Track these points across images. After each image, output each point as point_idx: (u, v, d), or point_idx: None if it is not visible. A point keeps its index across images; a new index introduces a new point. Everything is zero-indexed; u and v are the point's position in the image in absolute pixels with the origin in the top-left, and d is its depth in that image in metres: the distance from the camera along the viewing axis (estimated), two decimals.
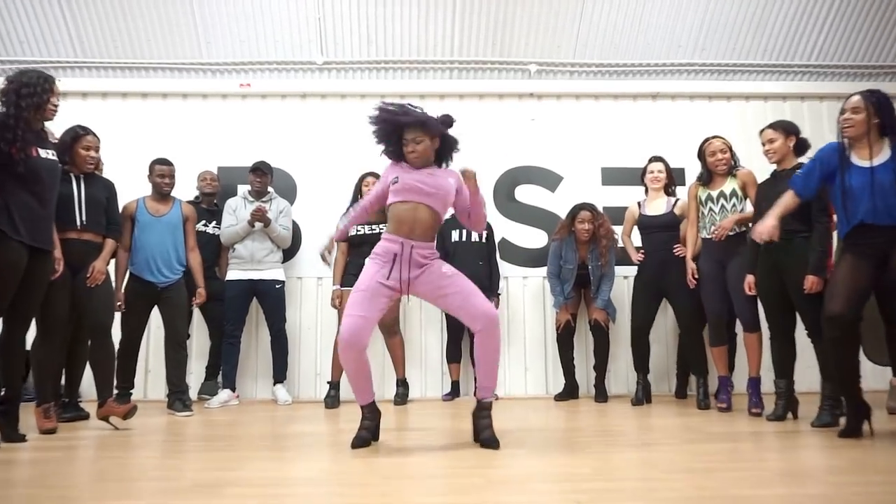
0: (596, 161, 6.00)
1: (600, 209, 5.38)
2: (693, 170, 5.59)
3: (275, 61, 6.02)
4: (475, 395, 3.29)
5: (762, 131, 4.17)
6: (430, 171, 3.23)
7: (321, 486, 2.44)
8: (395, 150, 3.26)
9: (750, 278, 4.13)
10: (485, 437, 3.09)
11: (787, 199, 3.50)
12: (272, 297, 5.29)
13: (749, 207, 4.42)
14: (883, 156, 3.22)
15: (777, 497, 2.13)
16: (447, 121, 3.25)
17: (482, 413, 3.15)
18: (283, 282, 5.35)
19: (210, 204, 5.52)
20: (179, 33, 5.88)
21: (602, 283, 5.23)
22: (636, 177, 5.38)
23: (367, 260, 3.20)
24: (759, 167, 4.42)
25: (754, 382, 4.30)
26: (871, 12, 6.00)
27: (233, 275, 5.24)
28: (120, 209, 4.68)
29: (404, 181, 3.16)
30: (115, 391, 4.61)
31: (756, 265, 4.09)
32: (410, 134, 3.16)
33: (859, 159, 3.28)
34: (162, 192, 4.79)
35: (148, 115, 5.94)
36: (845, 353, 3.26)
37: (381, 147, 3.30)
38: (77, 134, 4.05)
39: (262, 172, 5.38)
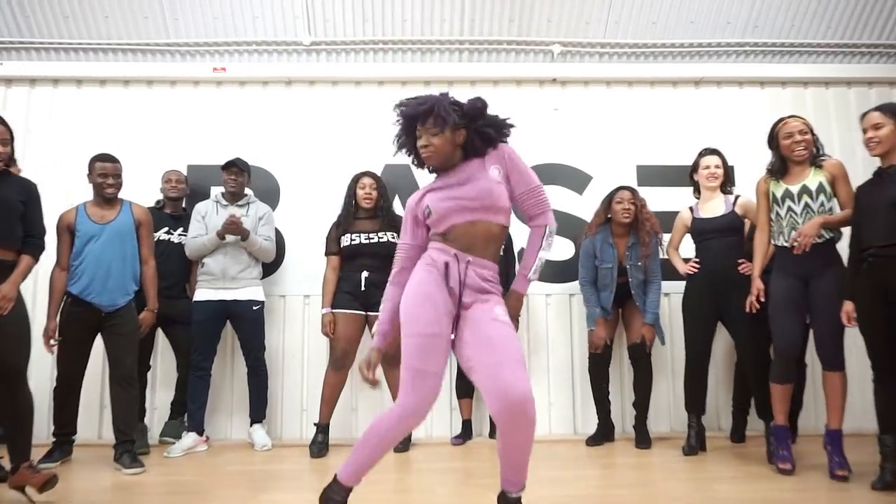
0: (630, 158, 5.13)
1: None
2: (745, 168, 4.75)
3: (255, 41, 5.14)
4: (501, 484, 2.42)
5: (864, 115, 3.29)
6: (461, 171, 2.39)
7: None
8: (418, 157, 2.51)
9: (848, 306, 3.24)
10: None
11: None
12: (249, 321, 4.43)
13: (838, 208, 3.54)
14: None
15: None
16: (476, 106, 2.40)
17: None
18: (261, 302, 4.48)
19: (176, 208, 4.66)
20: (142, 8, 5.01)
21: (649, 289, 4.34)
22: (678, 176, 4.60)
23: (415, 276, 2.38)
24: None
25: (835, 436, 3.41)
26: None
27: (201, 294, 4.38)
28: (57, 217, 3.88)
29: (438, 207, 2.34)
30: (53, 438, 3.83)
31: (855, 288, 3.20)
32: (422, 127, 2.37)
33: None
34: (104, 194, 3.91)
35: (107, 105, 5.08)
36: None
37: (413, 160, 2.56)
38: None
39: (237, 170, 4.54)
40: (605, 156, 5.12)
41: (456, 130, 2.36)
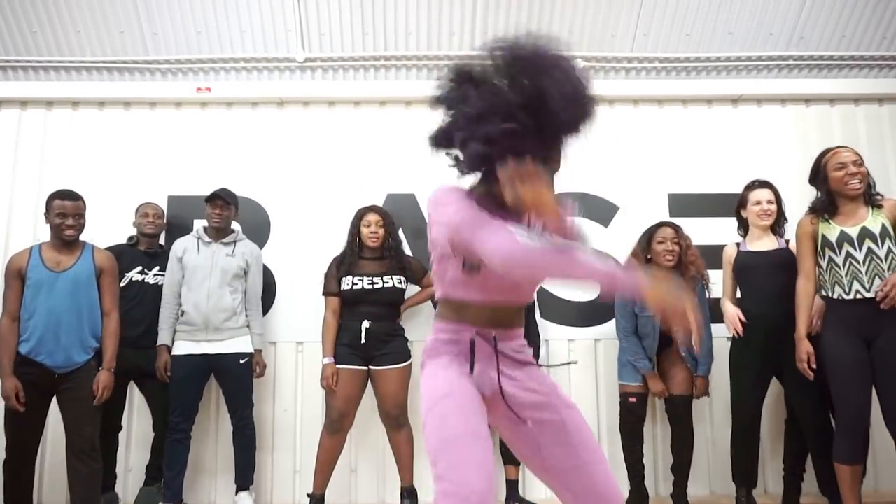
0: (661, 186, 4.60)
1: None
2: (791, 198, 4.14)
3: (243, 58, 4.65)
4: None
5: None
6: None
7: None
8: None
9: None
10: None
11: None
12: (235, 377, 3.92)
13: None
14: None
15: None
16: None
17: None
18: (250, 354, 3.96)
19: (152, 245, 4.16)
20: (118, 22, 4.52)
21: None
22: (715, 205, 4.22)
23: (428, 367, 1.87)
24: None
25: None
26: None
27: (181, 348, 3.87)
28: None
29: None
30: None
31: None
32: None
33: None
34: (62, 236, 3.40)
35: (80, 129, 4.60)
36: None
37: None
38: None
39: (222, 203, 4.04)
40: (633, 183, 4.60)
41: None
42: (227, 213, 4.07)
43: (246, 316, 3.98)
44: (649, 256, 3.86)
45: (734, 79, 4.78)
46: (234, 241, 4.08)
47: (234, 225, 4.19)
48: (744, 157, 4.54)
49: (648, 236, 3.92)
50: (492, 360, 1.83)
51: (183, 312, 3.90)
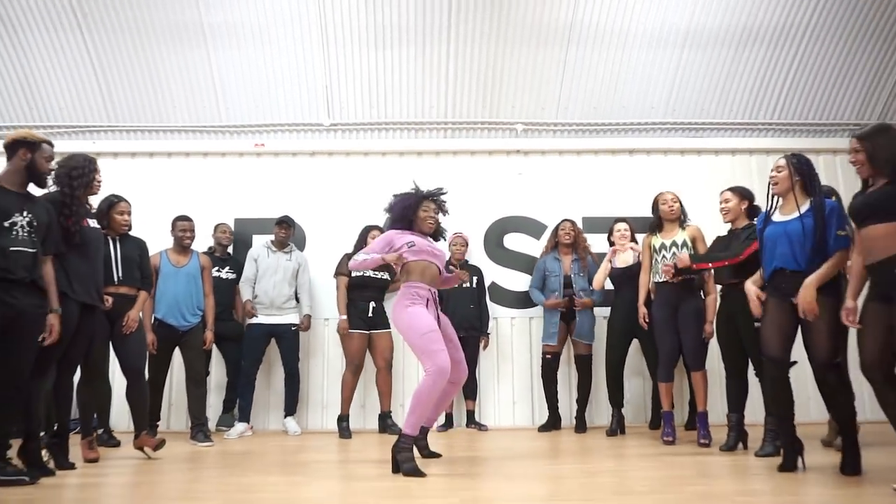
0: (578, 210, 6.53)
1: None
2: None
3: (286, 123, 6.67)
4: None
5: (722, 193, 4.74)
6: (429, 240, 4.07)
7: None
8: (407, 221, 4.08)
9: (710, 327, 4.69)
10: (424, 453, 4.05)
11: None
12: (288, 339, 5.84)
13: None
14: (803, 209, 3.68)
15: None
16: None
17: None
18: (298, 325, 5.89)
19: (223, 253, 6.08)
20: (201, 99, 6.55)
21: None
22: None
23: (413, 307, 3.83)
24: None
25: (702, 417, 4.81)
26: (825, 76, 6.63)
27: (254, 319, 5.78)
28: None
29: (420, 244, 3.97)
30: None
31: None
32: (427, 207, 4.07)
33: (781, 215, 3.78)
34: (183, 244, 5.41)
35: (172, 173, 6.58)
36: (781, 392, 3.68)
37: (396, 218, 4.12)
38: (112, 202, 4.64)
39: (286, 225, 5.94)
40: (558, 209, 6.50)
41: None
42: (289, 231, 5.99)
43: (297, 300, 5.93)
44: (556, 240, 5.91)
45: (629, 137, 6.81)
46: (291, 251, 6.02)
47: (290, 242, 6.08)
48: (637, 192, 6.35)
49: (555, 228, 5.99)
50: (431, 304, 3.88)
51: (256, 296, 5.83)
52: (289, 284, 5.86)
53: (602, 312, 5.96)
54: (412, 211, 4.06)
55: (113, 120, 6.59)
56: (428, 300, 3.88)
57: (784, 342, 3.68)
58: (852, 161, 3.48)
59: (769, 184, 3.87)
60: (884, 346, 3.24)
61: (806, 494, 3.09)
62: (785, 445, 3.70)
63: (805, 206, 3.70)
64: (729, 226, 4.71)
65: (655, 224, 5.16)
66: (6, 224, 3.39)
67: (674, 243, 4.99)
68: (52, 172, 3.76)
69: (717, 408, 5.41)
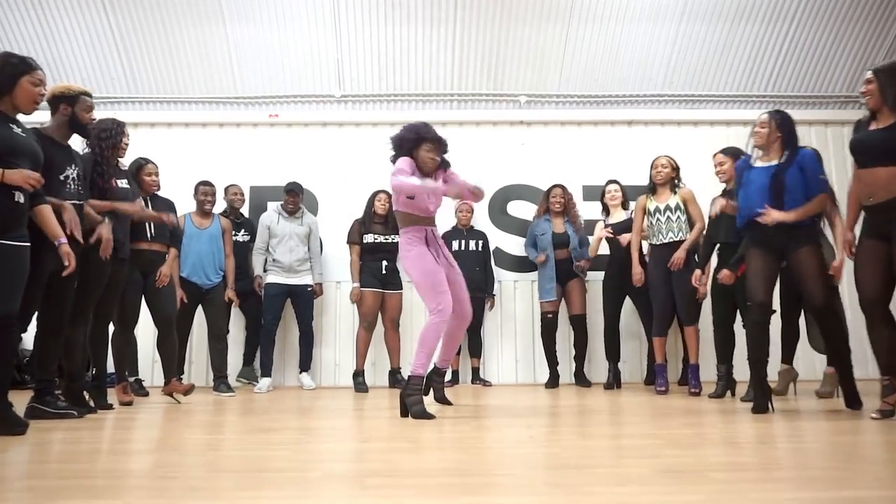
0: (578, 179, 6.83)
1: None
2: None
3: (299, 95, 6.97)
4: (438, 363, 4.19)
5: (714, 155, 5.02)
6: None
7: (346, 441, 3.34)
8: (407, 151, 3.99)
9: (697, 273, 4.95)
10: (438, 396, 4.15)
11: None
12: (303, 299, 6.16)
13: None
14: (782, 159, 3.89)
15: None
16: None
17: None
18: (312, 286, 6.20)
19: (237, 216, 6.35)
20: (217, 71, 6.84)
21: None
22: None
23: (413, 251, 3.89)
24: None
25: (694, 368, 5.15)
26: (818, 50, 6.89)
27: (272, 278, 6.08)
28: None
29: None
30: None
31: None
32: (428, 147, 3.96)
33: (762, 163, 3.98)
34: (205, 209, 5.73)
35: (189, 142, 6.88)
36: (760, 336, 3.86)
37: (396, 146, 4.04)
38: (140, 164, 4.94)
39: (294, 193, 6.22)
40: (559, 178, 6.75)
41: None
42: (298, 199, 6.28)
43: (310, 262, 6.24)
44: (547, 206, 6.19)
45: (627, 108, 7.10)
46: (302, 215, 6.31)
47: (301, 206, 6.36)
48: (635, 162, 6.63)
49: (546, 193, 6.26)
50: (433, 242, 4.01)
51: (274, 259, 6.11)
52: (303, 246, 6.16)
53: (596, 276, 6.25)
54: (413, 145, 3.96)
55: (134, 91, 6.88)
56: (426, 237, 3.90)
57: (769, 289, 3.89)
58: (863, 91, 3.64)
59: (750, 135, 4.05)
60: (882, 281, 3.46)
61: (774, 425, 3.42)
62: (755, 387, 3.88)
63: (784, 157, 3.89)
64: (724, 186, 4.99)
65: (650, 187, 5.44)
66: (61, 177, 3.65)
67: (667, 207, 5.28)
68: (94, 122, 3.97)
69: (709, 366, 5.72)
